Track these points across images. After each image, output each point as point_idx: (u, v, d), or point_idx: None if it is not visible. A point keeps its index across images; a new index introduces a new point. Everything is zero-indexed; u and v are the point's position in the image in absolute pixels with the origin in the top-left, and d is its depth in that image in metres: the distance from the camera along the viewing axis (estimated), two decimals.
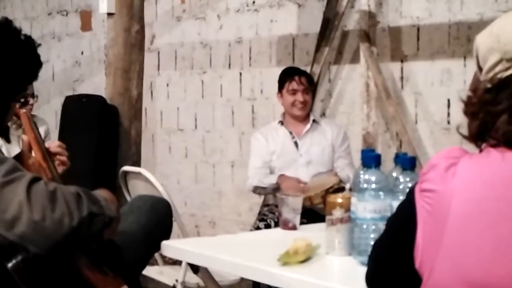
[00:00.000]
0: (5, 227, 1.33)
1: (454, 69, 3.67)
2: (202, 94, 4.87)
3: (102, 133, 4.08)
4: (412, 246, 1.10)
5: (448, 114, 3.70)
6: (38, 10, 5.93)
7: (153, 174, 2.97)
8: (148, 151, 4.97)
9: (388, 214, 1.55)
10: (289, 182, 3.19)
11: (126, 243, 1.84)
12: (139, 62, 4.05)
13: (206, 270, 2.00)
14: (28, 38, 1.64)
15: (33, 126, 1.75)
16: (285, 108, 3.45)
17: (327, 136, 3.43)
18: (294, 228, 2.09)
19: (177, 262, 3.09)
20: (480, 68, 1.18)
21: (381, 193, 1.59)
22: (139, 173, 3.00)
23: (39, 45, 1.67)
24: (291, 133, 3.43)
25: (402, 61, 3.88)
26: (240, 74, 4.64)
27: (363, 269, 1.26)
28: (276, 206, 2.79)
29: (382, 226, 1.50)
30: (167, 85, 5.08)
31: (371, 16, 3.88)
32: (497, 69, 1.13)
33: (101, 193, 1.51)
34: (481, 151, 1.13)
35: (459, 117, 1.16)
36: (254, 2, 4.54)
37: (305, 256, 1.63)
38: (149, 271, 2.96)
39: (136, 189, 3.06)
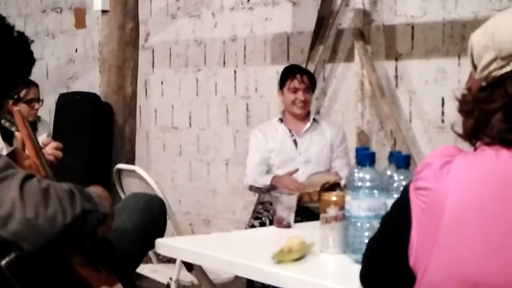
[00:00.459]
0: None
1: (448, 68, 3.68)
2: (197, 92, 4.87)
3: (96, 130, 4.07)
4: (406, 244, 1.10)
5: (443, 113, 3.71)
6: (32, 7, 5.91)
7: (148, 172, 2.96)
8: (142, 149, 4.97)
9: (383, 212, 1.55)
10: (284, 180, 3.19)
11: (120, 241, 1.84)
12: (133, 60, 4.05)
13: (200, 268, 2.00)
14: (22, 35, 1.63)
15: (26, 124, 1.74)
16: (285, 106, 3.45)
17: (326, 136, 3.43)
18: (288, 226, 2.09)
19: (171, 260, 3.09)
20: (474, 67, 1.18)
21: (375, 191, 1.59)
22: (133, 171, 3.00)
23: (33, 41, 1.66)
24: (290, 131, 3.43)
25: (396, 60, 3.89)
26: (235, 72, 4.64)
27: (357, 267, 1.27)
28: (271, 204, 2.79)
29: (376, 224, 1.50)
30: (162, 83, 5.08)
31: (365, 15, 3.89)
32: (492, 67, 1.13)
33: (95, 190, 1.50)
34: (475, 149, 1.13)
35: (453, 115, 1.16)
36: (248, 0, 4.53)
37: (299, 254, 1.63)
38: (143, 269, 2.95)
39: (130, 187, 3.06)
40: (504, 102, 1.09)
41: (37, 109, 3.64)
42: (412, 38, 3.82)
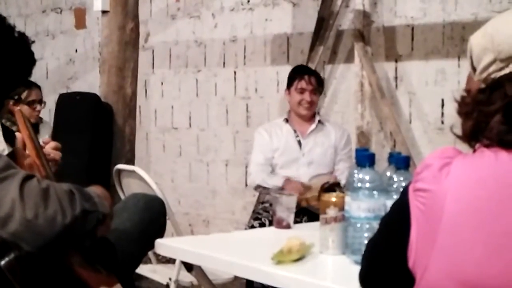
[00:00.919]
0: None
1: (448, 69, 3.68)
2: (197, 93, 4.87)
3: (96, 131, 4.07)
4: (405, 245, 1.10)
5: (442, 114, 3.71)
6: (32, 7, 5.91)
7: (147, 173, 2.97)
8: (142, 149, 4.97)
9: (382, 213, 1.55)
10: (294, 186, 3.19)
11: (120, 241, 1.84)
12: (133, 60, 4.05)
13: (199, 268, 2.00)
14: (22, 35, 1.63)
15: (27, 124, 1.75)
16: (291, 106, 3.45)
17: (330, 138, 3.43)
18: (288, 226, 2.09)
19: (170, 261, 3.09)
20: (474, 68, 1.18)
21: (375, 192, 1.59)
22: (133, 171, 3.00)
23: (33, 42, 1.66)
24: (295, 131, 3.43)
25: (396, 61, 3.89)
26: (235, 73, 4.64)
27: (357, 268, 1.27)
28: (271, 204, 2.80)
29: (376, 225, 1.50)
30: (162, 83, 5.08)
31: (365, 16, 3.89)
32: (491, 69, 1.13)
33: (94, 190, 1.50)
34: (474, 151, 1.13)
35: (453, 117, 1.16)
36: (249, 1, 4.54)
37: (299, 255, 1.63)
38: (143, 269, 2.95)
39: (130, 187, 3.06)
40: (503, 104, 1.10)
41: (39, 111, 3.64)
42: (412, 39, 3.82)
